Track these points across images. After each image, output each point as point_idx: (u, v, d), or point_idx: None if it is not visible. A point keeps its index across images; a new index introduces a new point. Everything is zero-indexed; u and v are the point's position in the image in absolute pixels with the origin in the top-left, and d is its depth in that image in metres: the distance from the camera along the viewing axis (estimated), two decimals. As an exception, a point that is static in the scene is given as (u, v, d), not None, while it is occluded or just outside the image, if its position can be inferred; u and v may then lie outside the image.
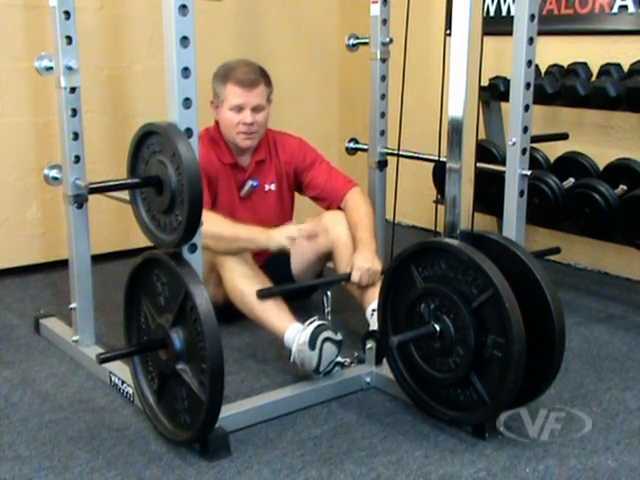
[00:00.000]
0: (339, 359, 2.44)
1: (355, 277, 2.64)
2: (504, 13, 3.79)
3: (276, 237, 2.52)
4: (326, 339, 2.35)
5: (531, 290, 2.04)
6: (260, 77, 2.77)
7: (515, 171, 2.58)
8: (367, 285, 2.66)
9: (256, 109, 2.76)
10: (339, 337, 2.40)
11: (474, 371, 2.08)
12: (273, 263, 2.85)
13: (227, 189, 2.82)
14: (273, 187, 2.91)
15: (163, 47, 1.94)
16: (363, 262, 2.65)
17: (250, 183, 2.86)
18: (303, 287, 2.90)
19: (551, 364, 2.07)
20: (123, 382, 2.39)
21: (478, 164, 2.23)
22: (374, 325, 2.53)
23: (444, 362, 2.14)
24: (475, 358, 2.05)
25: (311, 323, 2.39)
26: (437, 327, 2.12)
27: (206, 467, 2.03)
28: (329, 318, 2.55)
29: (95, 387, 2.49)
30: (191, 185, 1.90)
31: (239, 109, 2.73)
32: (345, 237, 2.77)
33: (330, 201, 2.91)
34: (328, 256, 2.84)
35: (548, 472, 2.01)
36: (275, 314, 2.51)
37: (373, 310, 2.63)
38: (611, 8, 3.37)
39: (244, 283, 2.56)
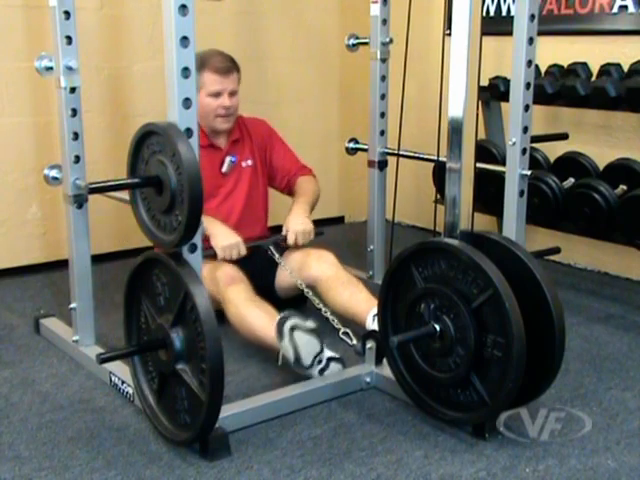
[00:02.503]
0: (331, 354, 2.45)
1: (291, 239, 2.87)
2: (504, 13, 3.79)
3: (218, 245, 2.76)
4: (293, 327, 2.36)
5: (531, 290, 2.04)
6: (233, 65, 2.95)
7: (515, 171, 2.59)
8: (303, 245, 2.88)
9: (232, 93, 2.94)
10: (310, 325, 2.39)
11: (474, 371, 2.08)
12: (259, 274, 2.90)
13: (209, 167, 2.89)
14: (250, 162, 3.07)
15: (163, 47, 1.94)
16: (296, 225, 2.89)
17: (229, 159, 3.01)
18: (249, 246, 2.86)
19: (551, 364, 2.07)
20: (123, 382, 2.39)
21: (478, 164, 2.23)
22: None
23: (444, 362, 2.14)
24: (475, 358, 2.05)
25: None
26: (437, 327, 2.12)
27: (206, 467, 2.03)
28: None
29: (95, 387, 2.49)
30: (191, 185, 1.90)
31: (217, 94, 2.90)
32: (326, 276, 2.81)
33: (286, 181, 3.15)
34: (310, 287, 2.85)
35: (548, 472, 2.01)
36: (267, 326, 2.53)
37: (374, 316, 2.65)
38: (611, 8, 3.37)
39: (245, 307, 2.62)
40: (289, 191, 3.16)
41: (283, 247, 2.95)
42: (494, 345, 2.02)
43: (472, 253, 2.04)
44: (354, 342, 2.55)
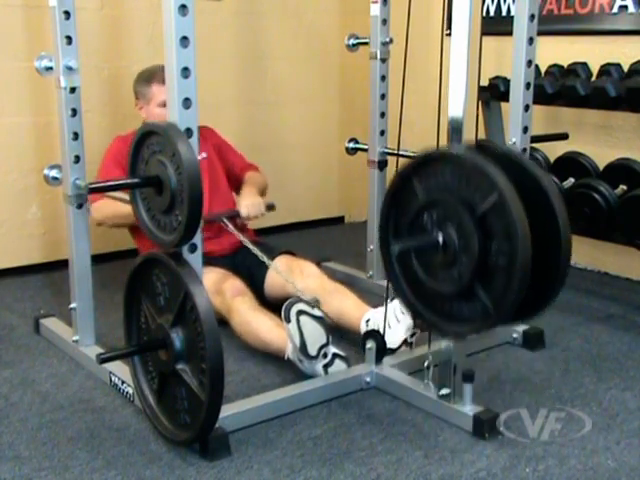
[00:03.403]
0: (337, 350, 2.45)
1: (244, 212, 3.03)
2: (504, 13, 3.79)
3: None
4: (300, 312, 2.38)
5: (538, 200, 1.93)
6: None
7: (515, 171, 2.58)
8: (256, 216, 3.05)
9: None
10: (317, 313, 2.42)
11: (478, 281, 1.96)
12: (248, 278, 2.93)
13: None
14: (204, 155, 3.15)
15: (163, 47, 1.94)
16: (246, 199, 3.08)
17: None
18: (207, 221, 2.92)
19: (555, 278, 1.96)
20: (123, 382, 2.39)
21: (478, 164, 2.22)
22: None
23: (447, 274, 2.02)
24: (479, 267, 1.94)
25: None
26: (440, 237, 2.01)
27: (206, 467, 2.03)
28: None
29: (95, 387, 2.49)
30: (191, 185, 1.90)
31: (165, 104, 2.94)
32: (311, 289, 2.78)
33: (235, 177, 3.30)
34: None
35: (548, 472, 2.01)
36: (272, 330, 2.58)
37: (367, 321, 2.67)
38: (611, 8, 3.37)
39: (250, 313, 2.67)
40: (237, 186, 3.28)
41: (237, 223, 3.05)
42: (499, 252, 1.90)
43: (476, 158, 1.94)
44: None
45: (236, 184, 3.28)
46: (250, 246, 2.86)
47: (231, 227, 2.95)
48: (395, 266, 2.15)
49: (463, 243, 1.97)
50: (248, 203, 3.05)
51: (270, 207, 3.12)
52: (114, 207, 2.77)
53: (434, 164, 2.03)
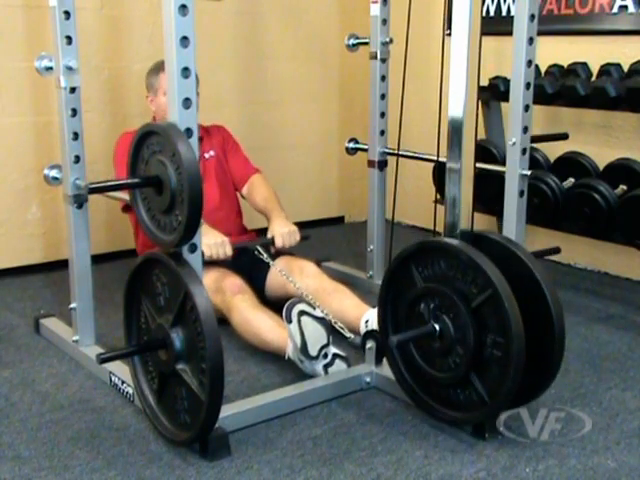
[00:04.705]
0: (337, 350, 2.45)
1: (278, 242, 2.90)
2: (504, 13, 3.79)
3: (204, 242, 2.73)
4: (302, 312, 2.39)
5: (531, 290, 2.04)
6: None
7: (515, 171, 2.59)
8: (290, 245, 2.91)
9: None
10: (319, 314, 2.43)
11: (474, 371, 2.07)
12: (249, 277, 2.91)
13: None
14: (212, 153, 3.15)
15: (163, 47, 1.94)
16: (280, 227, 2.94)
17: None
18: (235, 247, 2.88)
19: (551, 364, 2.07)
20: (123, 382, 2.39)
21: (478, 164, 2.23)
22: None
23: (444, 362, 2.14)
24: (475, 358, 2.05)
25: None
26: (437, 327, 2.12)
27: (206, 467, 2.03)
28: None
29: (95, 387, 2.49)
30: (191, 185, 1.90)
31: None
32: (311, 289, 2.80)
33: (239, 180, 3.22)
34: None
35: (548, 472, 2.01)
36: (272, 329, 2.58)
37: (366, 321, 2.67)
38: (611, 8, 3.37)
39: (251, 312, 2.66)
40: (240, 187, 3.22)
41: (270, 251, 2.95)
42: (493, 345, 2.02)
43: (472, 253, 2.04)
44: (350, 335, 2.56)
45: (239, 184, 3.24)
46: (271, 263, 2.84)
47: (266, 256, 2.87)
48: (395, 353, 2.28)
49: (459, 334, 2.08)
50: (284, 232, 2.92)
51: (306, 238, 2.98)
52: None
53: (431, 253, 2.15)
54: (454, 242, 2.13)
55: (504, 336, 1.98)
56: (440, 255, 2.13)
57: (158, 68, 2.98)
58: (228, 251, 2.78)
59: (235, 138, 3.30)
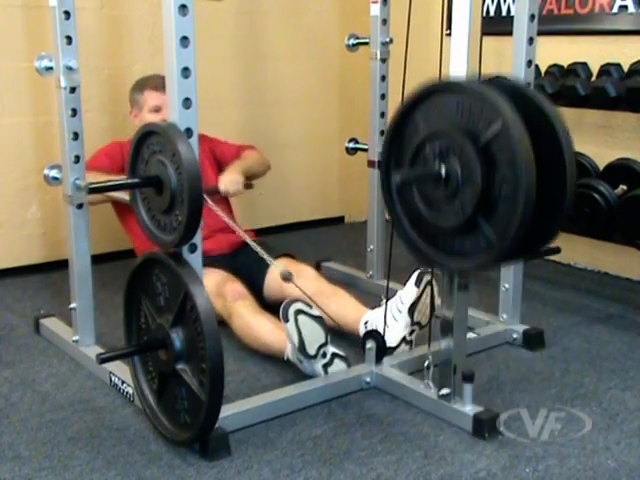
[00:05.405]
0: (336, 350, 2.45)
1: (222, 187, 3.06)
2: (504, 13, 3.79)
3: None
4: (299, 311, 2.38)
5: (541, 129, 1.86)
6: None
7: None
8: (234, 193, 3.09)
9: None
10: (315, 312, 2.42)
11: (481, 213, 1.90)
12: (248, 278, 2.94)
13: None
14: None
15: (163, 47, 1.94)
16: (225, 176, 3.10)
17: None
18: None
19: (560, 207, 1.90)
20: (123, 382, 2.39)
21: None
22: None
23: (449, 208, 1.96)
24: (482, 198, 1.89)
25: None
26: (442, 169, 1.96)
27: (206, 467, 2.03)
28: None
29: (95, 387, 2.49)
30: (191, 185, 1.90)
31: (158, 109, 3.08)
32: (309, 293, 2.74)
33: (232, 157, 3.31)
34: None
35: (548, 472, 2.01)
36: (273, 332, 2.59)
37: (365, 323, 2.67)
38: (611, 8, 3.37)
39: (251, 316, 2.68)
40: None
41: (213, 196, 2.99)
42: (502, 181, 1.85)
43: (480, 87, 1.90)
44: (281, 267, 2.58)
45: (230, 161, 3.30)
46: (242, 233, 2.75)
47: (210, 202, 2.78)
48: (396, 201, 2.10)
49: (466, 174, 1.91)
50: (227, 180, 3.08)
51: (248, 185, 3.17)
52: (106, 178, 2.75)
53: (437, 96, 1.98)
54: (460, 79, 2.03)
55: (513, 169, 1.81)
56: (446, 95, 1.96)
57: (142, 85, 3.14)
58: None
59: (218, 138, 3.40)
